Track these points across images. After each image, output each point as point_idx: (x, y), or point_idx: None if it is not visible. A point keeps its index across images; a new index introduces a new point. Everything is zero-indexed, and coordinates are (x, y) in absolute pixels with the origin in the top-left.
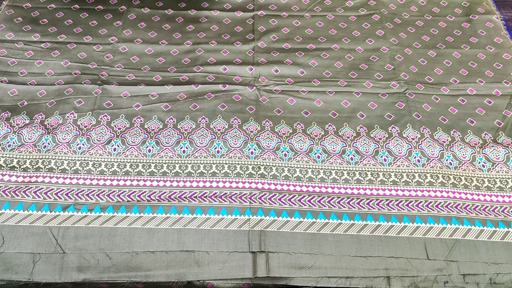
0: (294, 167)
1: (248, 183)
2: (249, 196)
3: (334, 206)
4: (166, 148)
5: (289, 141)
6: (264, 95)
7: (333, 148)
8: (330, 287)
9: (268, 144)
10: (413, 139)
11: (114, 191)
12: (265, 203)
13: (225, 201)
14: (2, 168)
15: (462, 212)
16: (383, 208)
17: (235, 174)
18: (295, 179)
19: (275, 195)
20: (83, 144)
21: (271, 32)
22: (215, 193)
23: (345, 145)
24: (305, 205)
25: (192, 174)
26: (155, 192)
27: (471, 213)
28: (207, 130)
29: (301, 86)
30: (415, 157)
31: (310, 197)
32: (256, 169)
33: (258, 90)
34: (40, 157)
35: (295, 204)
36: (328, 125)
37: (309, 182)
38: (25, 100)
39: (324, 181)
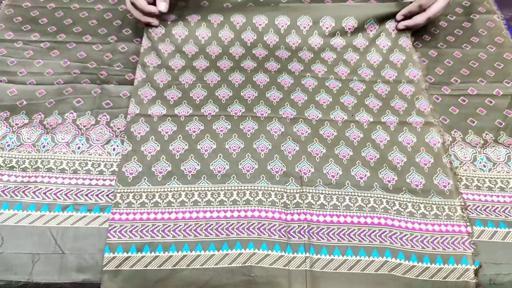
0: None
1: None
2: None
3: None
4: None
5: None
6: None
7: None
8: None
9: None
10: None
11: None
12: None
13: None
14: (1, 168)
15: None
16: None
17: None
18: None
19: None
20: (82, 144)
21: None
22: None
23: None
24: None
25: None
26: None
27: (472, 213)
28: None
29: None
30: None
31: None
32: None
33: None
34: (39, 157)
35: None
36: None
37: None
38: (24, 100)
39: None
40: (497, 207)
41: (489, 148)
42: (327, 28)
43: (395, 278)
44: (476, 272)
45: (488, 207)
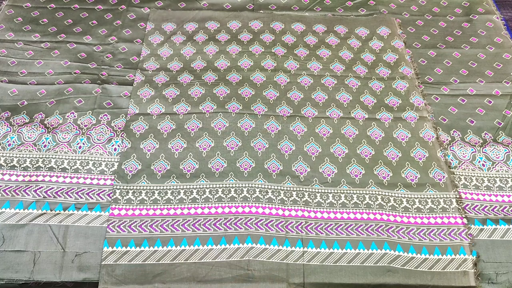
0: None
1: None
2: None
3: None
4: None
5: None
6: None
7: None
8: None
9: None
10: None
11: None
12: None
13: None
14: (2, 167)
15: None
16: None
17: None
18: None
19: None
20: (83, 143)
21: None
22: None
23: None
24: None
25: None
26: None
27: (470, 212)
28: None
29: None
30: None
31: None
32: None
33: None
34: (40, 156)
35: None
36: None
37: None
38: (25, 100)
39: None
40: (496, 206)
41: (488, 147)
42: (320, 31)
43: (394, 270)
44: (475, 263)
45: (487, 206)
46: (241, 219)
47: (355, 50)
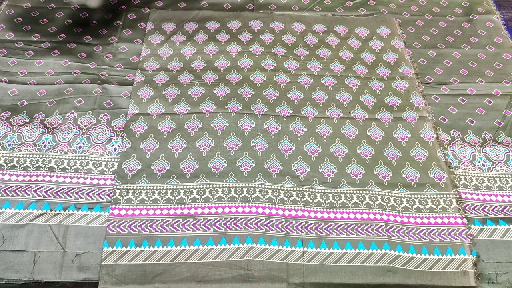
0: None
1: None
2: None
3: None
4: None
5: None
6: None
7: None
8: None
9: None
10: None
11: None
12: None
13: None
14: (2, 167)
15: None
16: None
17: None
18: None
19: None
20: (83, 143)
21: None
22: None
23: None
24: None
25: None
26: None
27: (470, 212)
28: None
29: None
30: None
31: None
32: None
33: None
34: (40, 156)
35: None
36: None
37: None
38: (25, 100)
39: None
40: (496, 206)
41: (488, 147)
42: (320, 31)
43: (394, 270)
44: (475, 263)
45: (487, 206)
46: (241, 219)
47: (355, 50)
